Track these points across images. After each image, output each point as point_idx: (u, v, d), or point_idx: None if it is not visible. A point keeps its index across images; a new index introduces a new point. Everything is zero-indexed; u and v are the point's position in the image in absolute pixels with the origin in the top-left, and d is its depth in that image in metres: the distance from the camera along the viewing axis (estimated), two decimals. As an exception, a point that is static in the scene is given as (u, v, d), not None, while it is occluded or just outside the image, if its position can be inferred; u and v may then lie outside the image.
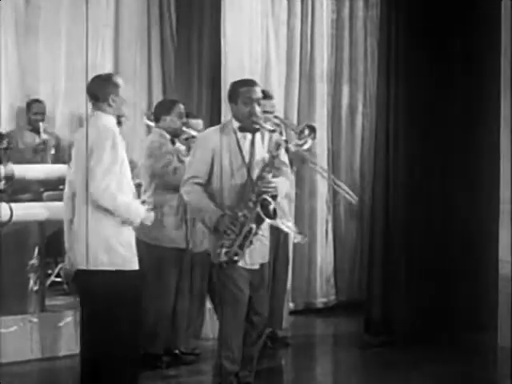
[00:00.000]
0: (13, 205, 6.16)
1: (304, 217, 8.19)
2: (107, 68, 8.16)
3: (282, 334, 6.89)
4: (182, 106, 6.34)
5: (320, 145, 7.99)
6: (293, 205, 7.75)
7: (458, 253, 7.23)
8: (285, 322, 7.08)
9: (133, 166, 5.49)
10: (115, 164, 4.83)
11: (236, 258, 5.10)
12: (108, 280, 4.86)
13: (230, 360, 5.19)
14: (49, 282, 7.34)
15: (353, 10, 8.62)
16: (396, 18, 7.08)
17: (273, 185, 5.13)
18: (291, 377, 6.55)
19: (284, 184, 5.30)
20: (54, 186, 6.94)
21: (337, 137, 8.58)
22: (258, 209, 5.07)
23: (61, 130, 8.12)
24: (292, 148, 5.74)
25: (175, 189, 5.74)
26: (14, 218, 6.10)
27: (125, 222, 4.92)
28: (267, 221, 5.13)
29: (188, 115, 6.60)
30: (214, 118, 7.36)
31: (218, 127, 5.44)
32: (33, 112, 7.87)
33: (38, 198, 7.06)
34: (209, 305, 6.57)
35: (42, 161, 7.71)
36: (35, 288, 6.42)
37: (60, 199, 5.29)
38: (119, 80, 5.05)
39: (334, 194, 8.07)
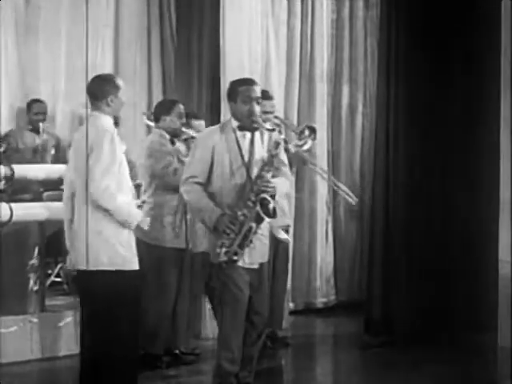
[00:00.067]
0: (13, 205, 6.15)
1: (304, 217, 8.19)
2: (107, 68, 8.16)
3: (281, 334, 6.89)
4: (181, 107, 6.34)
5: (320, 145, 7.99)
6: (293, 205, 7.75)
7: (457, 253, 7.23)
8: (285, 322, 7.09)
9: (131, 166, 5.49)
10: (114, 164, 4.83)
11: (236, 257, 5.10)
12: (108, 280, 4.87)
13: (229, 360, 5.19)
14: (49, 282, 7.35)
15: (353, 9, 8.62)
16: (396, 17, 7.08)
17: (272, 184, 5.14)
18: (291, 377, 6.54)
19: (283, 184, 5.30)
20: (54, 186, 6.94)
21: (337, 137, 8.59)
22: (258, 208, 5.07)
23: (61, 130, 8.12)
24: (292, 148, 5.75)
25: (175, 189, 5.73)
26: (14, 218, 6.10)
27: (122, 223, 4.92)
28: (267, 220, 5.14)
29: (191, 116, 6.60)
30: (213, 118, 7.35)
31: (217, 126, 5.45)
32: (34, 112, 7.86)
33: (38, 198, 7.06)
34: (208, 305, 6.57)
35: (42, 161, 7.72)
36: (35, 288, 6.42)
37: (60, 199, 5.30)
38: (119, 82, 5.06)
39: (334, 194, 8.06)
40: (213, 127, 5.56)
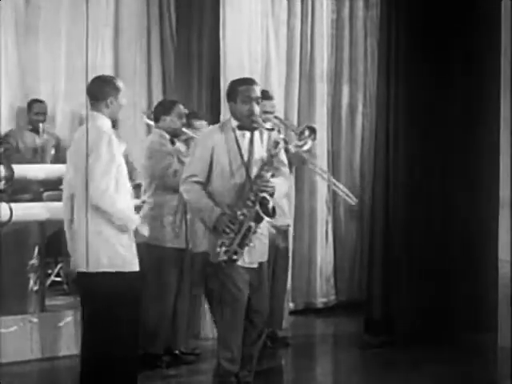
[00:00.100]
0: (13, 205, 6.15)
1: (304, 217, 8.19)
2: (107, 68, 8.16)
3: (282, 334, 6.89)
4: (181, 107, 6.34)
5: (320, 145, 7.99)
6: (293, 205, 7.75)
7: (457, 253, 7.23)
8: (285, 322, 7.09)
9: (130, 167, 5.50)
10: (112, 165, 4.82)
11: (235, 256, 5.10)
12: (108, 282, 4.86)
13: (229, 360, 5.19)
14: (49, 281, 7.35)
15: (353, 9, 8.63)
16: (396, 17, 7.08)
17: (271, 184, 5.14)
18: (291, 377, 6.54)
19: (283, 184, 5.30)
20: (53, 186, 6.92)
21: (337, 137, 8.59)
22: (257, 207, 5.08)
23: (61, 130, 8.12)
24: (292, 149, 5.75)
25: (175, 190, 5.74)
26: (13, 218, 6.10)
27: (121, 228, 4.91)
28: (266, 219, 5.14)
29: (192, 116, 6.60)
30: (213, 118, 7.35)
31: (217, 126, 5.46)
32: (34, 112, 7.85)
33: (37, 198, 7.06)
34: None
35: (42, 161, 7.72)
36: (35, 288, 6.42)
37: (60, 199, 5.28)
38: (120, 84, 5.06)
39: (334, 194, 8.06)
40: (212, 127, 5.57)
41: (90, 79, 5.05)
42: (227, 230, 5.08)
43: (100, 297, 4.88)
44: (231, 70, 7.20)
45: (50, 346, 6.38)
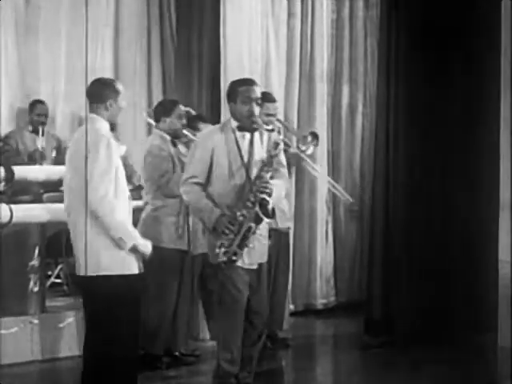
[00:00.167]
0: (13, 206, 6.15)
1: (304, 217, 8.19)
2: (107, 68, 8.17)
3: (282, 335, 6.89)
4: (181, 108, 6.33)
5: (320, 145, 7.96)
6: (293, 205, 7.75)
7: (457, 253, 7.22)
8: (285, 323, 7.07)
9: (130, 170, 5.50)
10: (110, 169, 4.81)
11: (235, 257, 5.10)
12: (109, 284, 4.85)
13: (228, 361, 5.20)
14: (49, 283, 7.34)
15: (353, 9, 8.63)
16: (396, 17, 7.07)
17: (271, 185, 5.14)
18: (291, 378, 6.54)
19: (282, 186, 5.30)
20: (54, 188, 6.92)
21: (337, 137, 8.59)
22: (257, 208, 5.08)
23: (61, 131, 8.11)
24: (291, 151, 5.76)
25: (173, 196, 5.78)
26: (14, 220, 6.09)
27: (116, 241, 4.82)
28: (266, 220, 5.14)
29: (197, 118, 6.59)
30: (214, 118, 7.35)
31: (216, 127, 5.46)
32: (35, 113, 7.82)
33: (38, 200, 7.05)
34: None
35: (42, 163, 7.69)
36: (35, 289, 6.41)
37: (60, 201, 5.27)
38: (119, 87, 5.05)
39: (334, 194, 8.06)
40: (212, 127, 5.57)
41: (89, 80, 5.04)
42: (227, 231, 5.08)
43: (101, 299, 4.87)
44: (231, 70, 7.21)
45: (50, 347, 6.37)
